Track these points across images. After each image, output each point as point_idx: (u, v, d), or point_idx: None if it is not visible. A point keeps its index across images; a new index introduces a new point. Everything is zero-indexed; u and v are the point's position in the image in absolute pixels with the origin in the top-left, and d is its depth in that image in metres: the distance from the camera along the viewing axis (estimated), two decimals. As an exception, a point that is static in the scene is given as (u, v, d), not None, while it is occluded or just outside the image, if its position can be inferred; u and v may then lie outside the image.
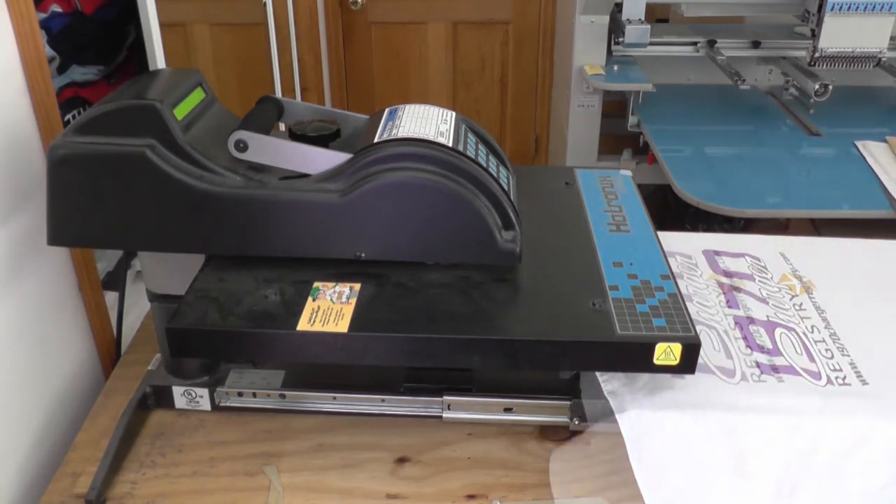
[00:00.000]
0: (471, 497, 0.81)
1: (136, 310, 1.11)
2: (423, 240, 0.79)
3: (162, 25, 1.33)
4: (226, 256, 0.82)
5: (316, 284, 0.78)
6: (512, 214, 0.80)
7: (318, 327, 0.73)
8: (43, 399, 0.94)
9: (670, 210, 2.02)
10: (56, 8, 1.38)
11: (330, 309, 0.75)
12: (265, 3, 2.24)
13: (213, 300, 0.76)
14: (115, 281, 1.10)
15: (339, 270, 0.80)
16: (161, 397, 0.91)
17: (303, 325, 0.73)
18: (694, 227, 1.93)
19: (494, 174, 0.81)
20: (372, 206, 0.77)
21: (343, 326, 0.73)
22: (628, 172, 1.05)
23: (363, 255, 0.80)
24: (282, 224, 0.78)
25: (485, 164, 0.81)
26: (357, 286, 0.78)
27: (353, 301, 0.76)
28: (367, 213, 0.78)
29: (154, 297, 0.88)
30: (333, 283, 0.78)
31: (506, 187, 0.81)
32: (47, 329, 0.94)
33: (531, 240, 0.83)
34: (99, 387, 0.99)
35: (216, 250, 0.82)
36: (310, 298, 0.76)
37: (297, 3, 2.42)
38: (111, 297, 1.08)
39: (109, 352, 1.07)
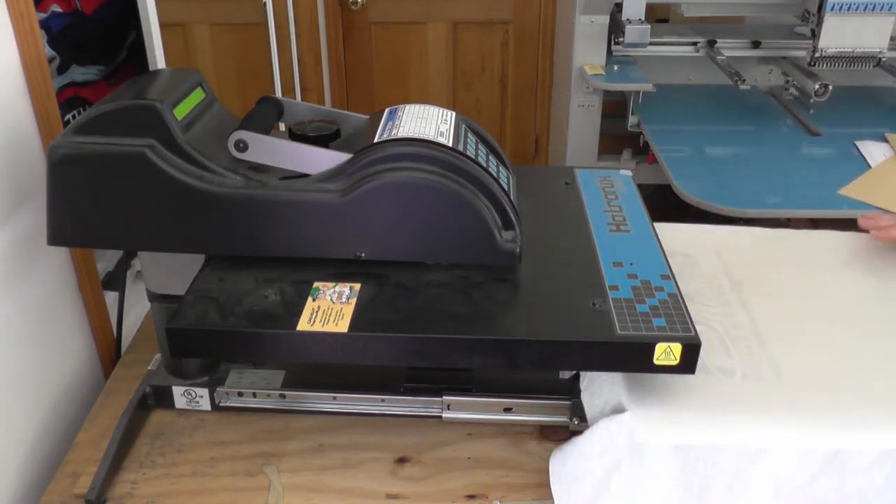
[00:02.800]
0: (471, 497, 0.81)
1: (136, 310, 1.11)
2: (423, 240, 0.79)
3: (162, 25, 1.33)
4: (226, 256, 0.82)
5: (316, 284, 0.78)
6: (512, 214, 0.80)
7: (318, 327, 0.73)
8: (43, 399, 0.94)
9: (670, 210, 2.01)
10: (56, 8, 1.38)
11: (330, 309, 0.75)
12: (265, 3, 2.24)
13: (213, 300, 0.76)
14: (115, 281, 1.10)
15: (339, 270, 0.80)
16: (161, 397, 0.91)
17: (303, 325, 0.73)
18: (694, 228, 1.93)
19: (494, 174, 0.81)
20: (372, 206, 0.77)
21: (343, 326, 0.73)
22: (628, 172, 1.05)
23: (363, 255, 0.80)
24: (282, 224, 0.78)
25: (485, 164, 0.81)
26: (357, 286, 0.78)
27: (353, 301, 0.76)
28: (367, 213, 0.78)
29: (154, 297, 0.88)
30: (333, 283, 0.78)
31: (506, 187, 0.81)
32: (47, 329, 0.94)
33: (531, 240, 0.83)
34: (99, 387, 0.99)
35: (216, 250, 0.82)
36: (310, 298, 0.76)
37: (297, 3, 2.42)
38: (111, 297, 1.08)
39: (109, 352, 1.07)
